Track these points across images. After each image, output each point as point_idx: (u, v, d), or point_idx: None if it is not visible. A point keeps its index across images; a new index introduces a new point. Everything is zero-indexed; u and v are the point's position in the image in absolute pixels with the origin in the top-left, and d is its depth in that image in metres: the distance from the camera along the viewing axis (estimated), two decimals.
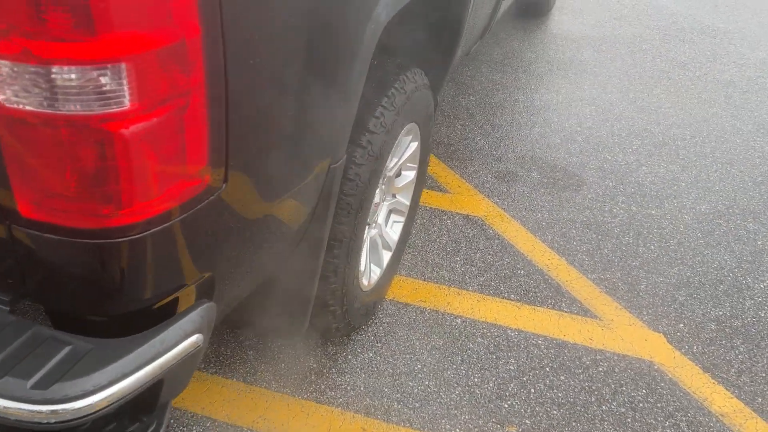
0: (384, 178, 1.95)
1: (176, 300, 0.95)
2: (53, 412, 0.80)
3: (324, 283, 1.63)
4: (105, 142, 0.73)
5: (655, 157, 3.40)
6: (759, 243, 2.78)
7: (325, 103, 1.18)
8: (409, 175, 2.17)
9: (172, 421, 1.77)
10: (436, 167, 3.10)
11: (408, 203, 2.23)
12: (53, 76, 0.69)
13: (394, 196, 2.18)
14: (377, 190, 1.93)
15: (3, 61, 0.68)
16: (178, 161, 0.81)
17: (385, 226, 2.17)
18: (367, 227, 1.90)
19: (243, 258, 1.10)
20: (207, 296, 1.00)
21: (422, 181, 2.28)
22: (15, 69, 0.69)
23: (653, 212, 2.93)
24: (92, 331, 0.91)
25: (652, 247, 2.69)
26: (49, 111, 0.71)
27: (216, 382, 1.90)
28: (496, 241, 2.64)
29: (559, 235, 2.72)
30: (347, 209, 1.58)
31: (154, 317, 0.93)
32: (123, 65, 0.70)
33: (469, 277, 2.43)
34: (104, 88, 0.70)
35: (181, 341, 0.92)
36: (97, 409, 0.83)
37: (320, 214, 1.38)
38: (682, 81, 4.38)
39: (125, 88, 0.71)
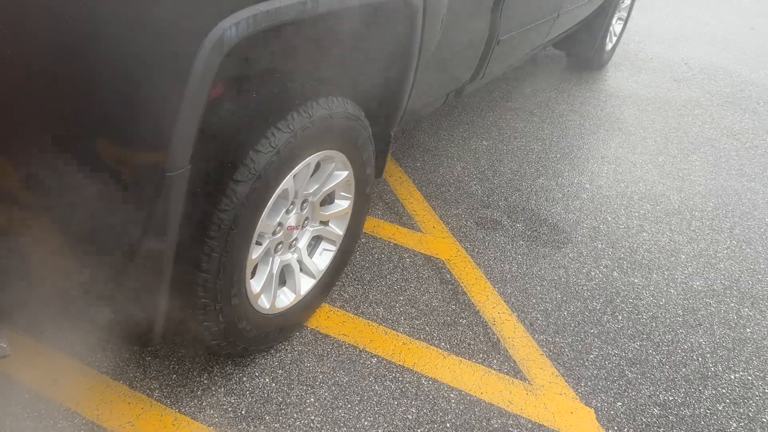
0: (300, 203, 1.93)
1: None
2: None
3: (190, 297, 1.62)
4: None
5: (662, 224, 3.17)
6: (748, 331, 2.52)
7: (139, 111, 1.19)
8: (343, 204, 2.14)
9: (43, 411, 1.80)
10: (417, 205, 3.04)
11: (341, 233, 2.19)
12: None
13: (327, 223, 2.15)
14: (293, 214, 1.92)
15: None
16: None
17: (309, 253, 2.14)
18: (268, 249, 1.87)
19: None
20: None
21: (361, 212, 2.24)
22: None
23: (636, 281, 2.73)
24: None
25: (620, 317, 2.50)
26: None
27: (102, 381, 1.91)
28: (450, 286, 2.54)
29: (520, 290, 2.57)
30: (218, 224, 1.57)
31: None
32: None
33: (404, 319, 2.34)
34: None
35: None
36: None
37: (157, 226, 1.37)
38: (726, 151, 4.10)
39: None
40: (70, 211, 1.25)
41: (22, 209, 1.21)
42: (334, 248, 2.20)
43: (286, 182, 1.75)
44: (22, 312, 1.38)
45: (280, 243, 1.94)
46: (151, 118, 1.25)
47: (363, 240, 2.73)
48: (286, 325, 2.06)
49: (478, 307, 2.44)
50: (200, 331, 1.72)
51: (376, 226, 2.84)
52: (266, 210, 1.71)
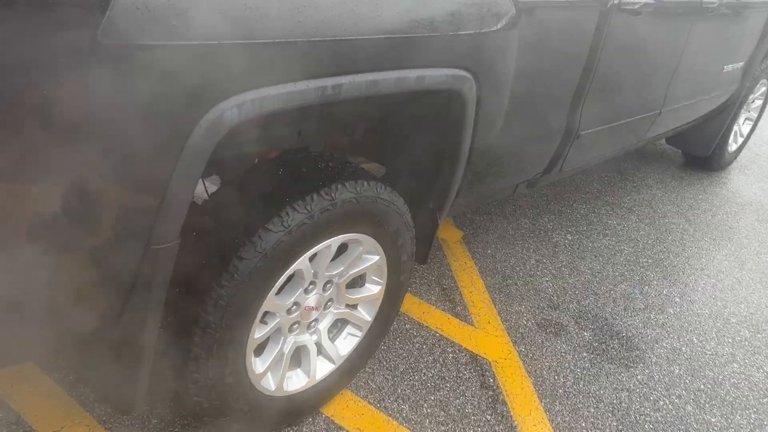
0: (322, 283, 1.85)
1: None
2: None
3: (182, 369, 1.57)
4: None
5: (759, 356, 2.76)
6: None
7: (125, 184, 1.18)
8: (373, 289, 2.03)
9: None
10: (477, 295, 2.86)
11: (370, 319, 2.08)
12: None
13: (354, 307, 2.05)
14: (313, 294, 1.84)
15: None
16: None
17: (332, 337, 2.04)
18: (279, 328, 1.80)
19: None
20: None
21: (394, 299, 2.12)
22: None
23: (713, 420, 2.36)
24: None
25: None
26: None
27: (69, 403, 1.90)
28: (490, 392, 2.32)
29: (571, 409, 2.30)
30: (216, 300, 1.52)
31: None
32: None
33: (430, 422, 2.15)
34: None
35: None
36: None
37: (140, 298, 1.35)
38: None
39: None
40: (60, 269, 1.25)
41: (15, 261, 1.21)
42: (360, 334, 2.09)
43: (300, 263, 1.68)
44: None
45: (296, 323, 1.86)
46: (140, 190, 1.24)
47: (407, 326, 2.59)
48: (294, 409, 1.96)
49: (516, 422, 2.21)
50: (190, 402, 1.66)
51: (425, 312, 2.70)
52: (273, 290, 1.65)
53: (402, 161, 2.21)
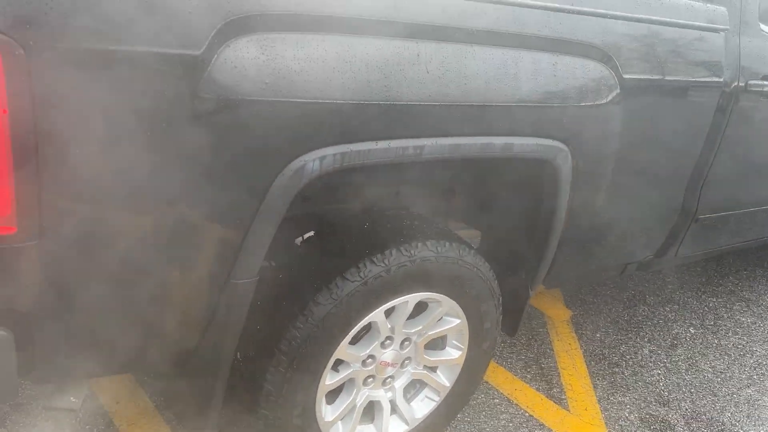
0: (400, 340, 1.88)
1: None
2: None
3: (252, 404, 1.66)
4: None
5: None
6: None
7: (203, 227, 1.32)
8: (453, 354, 2.02)
9: None
10: (577, 379, 2.71)
11: (449, 385, 2.06)
12: None
13: (434, 370, 2.05)
14: (390, 350, 1.88)
15: None
16: None
17: (408, 397, 2.03)
18: (352, 379, 1.84)
19: (67, 316, 1.26)
20: (5, 325, 1.19)
21: (476, 368, 2.08)
22: None
23: None
24: None
25: None
26: None
27: None
28: None
29: None
30: (290, 340, 1.61)
31: None
32: None
33: None
34: None
35: None
36: None
37: (218, 327, 1.46)
38: None
39: None
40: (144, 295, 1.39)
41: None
42: (438, 399, 2.07)
43: (375, 315, 1.73)
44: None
45: (371, 377, 1.89)
46: (226, 228, 1.37)
47: (496, 400, 2.51)
48: None
49: None
50: None
51: (517, 389, 2.60)
52: (346, 338, 1.70)
53: (496, 228, 2.21)
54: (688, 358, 3.00)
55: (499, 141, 1.66)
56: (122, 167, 1.19)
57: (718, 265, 4.09)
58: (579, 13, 1.73)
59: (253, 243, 1.39)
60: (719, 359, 3.03)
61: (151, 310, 1.38)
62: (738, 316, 3.47)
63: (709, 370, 2.94)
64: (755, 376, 2.94)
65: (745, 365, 3.01)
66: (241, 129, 1.27)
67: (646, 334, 3.16)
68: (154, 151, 1.20)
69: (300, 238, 1.86)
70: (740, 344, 3.19)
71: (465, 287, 1.87)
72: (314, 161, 1.37)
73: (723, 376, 2.90)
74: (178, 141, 1.22)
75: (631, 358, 2.94)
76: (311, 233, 1.85)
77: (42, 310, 1.24)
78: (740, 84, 2.22)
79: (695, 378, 2.86)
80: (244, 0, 1.21)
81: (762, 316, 3.50)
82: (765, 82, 2.29)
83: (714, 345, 3.15)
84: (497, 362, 2.75)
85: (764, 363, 3.05)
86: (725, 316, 3.45)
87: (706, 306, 3.53)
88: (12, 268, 1.16)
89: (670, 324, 3.28)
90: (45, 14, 1.04)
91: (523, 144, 1.72)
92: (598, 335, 3.09)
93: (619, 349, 3.00)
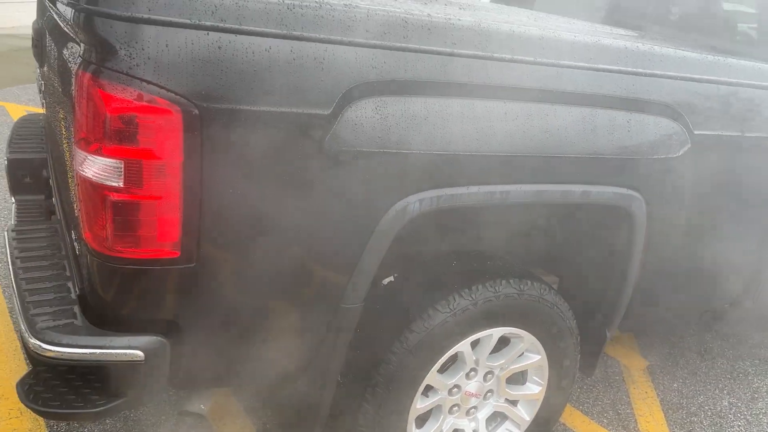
0: (483, 372, 2.03)
1: (144, 323, 1.44)
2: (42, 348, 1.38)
3: (353, 424, 1.85)
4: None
5: None
6: None
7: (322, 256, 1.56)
8: (533, 389, 2.15)
9: None
10: (653, 426, 2.75)
11: (528, 419, 2.18)
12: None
13: (515, 404, 2.18)
14: (474, 381, 2.03)
15: (84, 154, 1.33)
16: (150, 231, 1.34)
17: (490, 428, 2.17)
18: (439, 406, 2.00)
19: (211, 329, 1.50)
20: (164, 334, 1.44)
21: (555, 404, 2.20)
22: (89, 158, 1.33)
23: None
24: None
25: None
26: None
27: None
28: None
29: None
30: (387, 363, 1.80)
31: (121, 326, 1.43)
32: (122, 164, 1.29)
33: None
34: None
35: (122, 348, 1.40)
36: (58, 357, 1.37)
37: (328, 348, 1.68)
38: None
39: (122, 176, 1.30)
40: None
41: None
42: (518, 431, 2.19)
43: (462, 346, 1.90)
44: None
45: (456, 405, 2.05)
46: (340, 259, 1.61)
47: None
48: None
49: None
50: None
51: None
52: (436, 365, 1.88)
53: (574, 272, 2.36)
54: None
55: (578, 189, 1.84)
56: (271, 210, 1.44)
57: None
58: (650, 75, 1.91)
59: (361, 273, 1.61)
60: None
61: (278, 330, 1.62)
62: None
63: None
64: None
65: None
66: (357, 176, 1.51)
67: (725, 386, 3.15)
68: (290, 197, 1.45)
69: (386, 279, 2.07)
70: None
71: (545, 325, 2.02)
72: (415, 203, 1.59)
73: None
74: (308, 187, 1.47)
75: (710, 408, 2.95)
76: (392, 277, 2.04)
77: (192, 325, 1.49)
78: None
79: None
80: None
81: None
82: None
83: None
84: (574, 405, 2.83)
85: None
86: None
87: None
88: (173, 287, 1.43)
89: (750, 378, 3.26)
90: (215, 83, 1.32)
91: (601, 192, 1.89)
92: (675, 385, 3.11)
93: (697, 399, 3.01)
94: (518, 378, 2.17)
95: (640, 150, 1.93)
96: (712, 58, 2.06)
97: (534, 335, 2.03)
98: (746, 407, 2.99)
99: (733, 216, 2.29)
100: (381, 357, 1.81)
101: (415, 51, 1.53)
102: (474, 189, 1.68)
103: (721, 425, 2.83)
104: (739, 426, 2.84)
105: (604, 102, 1.84)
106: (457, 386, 2.01)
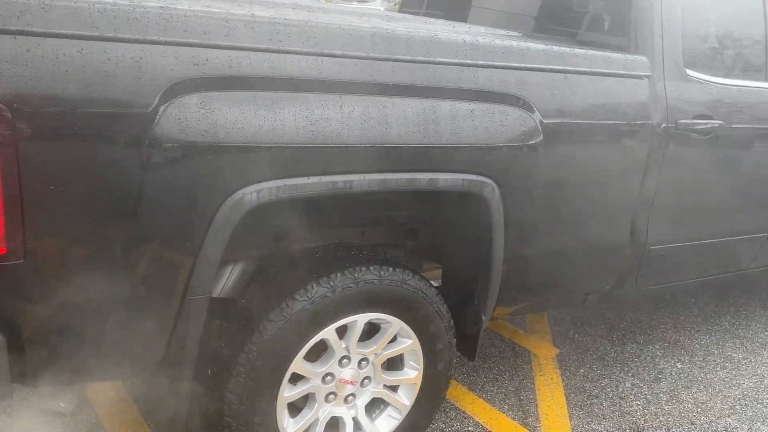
0: (357, 360, 2.10)
1: None
2: None
3: (219, 414, 1.90)
4: None
5: None
6: None
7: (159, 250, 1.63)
8: (410, 374, 2.23)
9: None
10: (553, 410, 2.83)
11: (408, 404, 2.25)
12: None
13: (395, 389, 2.25)
14: (348, 368, 2.10)
15: None
16: None
17: (372, 415, 2.23)
18: (313, 394, 2.06)
19: (50, 325, 1.56)
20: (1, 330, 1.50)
21: (434, 388, 2.27)
22: None
23: None
24: None
25: None
26: None
27: None
28: None
29: None
30: (248, 354, 1.87)
31: None
32: None
33: None
34: None
35: None
36: None
37: (178, 340, 1.74)
38: None
39: None
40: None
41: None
42: (399, 417, 2.26)
43: (325, 333, 1.97)
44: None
45: (332, 393, 2.11)
46: (180, 252, 1.67)
47: (470, 428, 2.67)
48: None
49: None
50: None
51: (493, 418, 2.75)
52: (300, 353, 1.95)
53: (450, 259, 2.45)
54: (670, 390, 3.08)
55: (423, 176, 1.93)
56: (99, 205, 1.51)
57: (716, 306, 4.15)
58: (492, 67, 2.02)
59: (202, 265, 1.68)
60: (702, 392, 3.10)
61: (122, 324, 1.67)
62: (729, 353, 3.52)
63: (691, 401, 3.01)
64: (738, 407, 2.99)
65: (728, 397, 3.07)
66: (190, 169, 1.59)
67: (631, 369, 3.26)
68: (118, 189, 1.52)
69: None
70: (727, 378, 3.25)
71: (411, 309, 2.10)
72: (252, 194, 1.67)
73: (704, 406, 2.97)
74: (136, 180, 1.54)
75: (612, 390, 3.05)
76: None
77: (29, 321, 1.54)
78: (669, 124, 2.45)
79: (674, 408, 2.94)
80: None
81: (755, 353, 3.55)
82: (695, 121, 2.51)
83: (699, 379, 3.22)
84: (477, 394, 2.91)
85: (750, 395, 3.10)
86: (716, 352, 3.51)
87: (697, 343, 3.60)
88: (3, 283, 1.48)
89: (656, 360, 3.37)
90: (28, 85, 1.39)
91: (449, 179, 1.98)
92: (581, 370, 3.21)
93: (601, 382, 3.11)
94: (398, 363, 2.24)
95: (490, 138, 2.03)
96: (557, 49, 2.19)
97: (402, 320, 2.10)
98: (648, 388, 3.10)
99: (594, 201, 2.40)
100: (242, 347, 1.87)
101: (241, 48, 1.62)
102: (315, 179, 1.76)
103: (620, 405, 2.93)
104: (638, 405, 2.94)
105: (446, 93, 1.94)
106: (330, 374, 2.07)
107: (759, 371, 3.34)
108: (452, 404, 2.81)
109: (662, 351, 3.48)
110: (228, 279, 2.20)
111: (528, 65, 2.11)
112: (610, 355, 3.39)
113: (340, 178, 1.80)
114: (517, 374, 3.11)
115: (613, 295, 2.78)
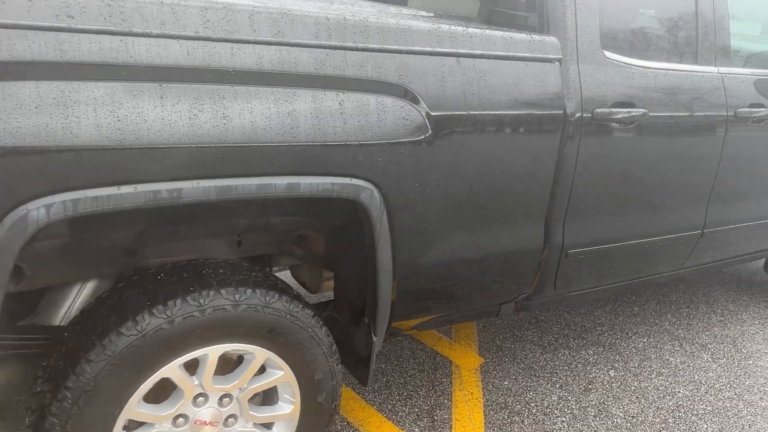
0: (218, 397, 1.78)
1: None
2: None
3: None
4: None
5: None
6: None
7: None
8: (284, 408, 1.92)
9: None
10: (468, 430, 2.56)
11: None
12: None
13: (269, 427, 1.94)
14: (206, 407, 1.78)
15: None
16: None
17: None
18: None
19: None
20: None
21: (314, 422, 1.97)
22: None
23: None
24: None
25: None
26: None
27: None
28: None
29: None
30: (61, 401, 1.53)
31: None
32: None
33: None
34: None
35: None
36: None
37: None
38: None
39: None
40: None
41: None
42: None
43: (168, 371, 1.65)
44: None
45: None
46: None
47: None
48: None
49: None
50: None
51: None
52: (134, 397, 1.62)
53: (341, 274, 2.15)
54: (599, 403, 2.83)
55: (280, 181, 1.61)
56: None
57: (657, 304, 3.93)
58: (364, 50, 1.70)
59: None
60: (634, 403, 2.86)
61: None
62: (667, 356, 3.30)
63: (621, 415, 2.77)
64: (671, 420, 2.76)
65: (662, 408, 2.84)
66: None
67: (560, 379, 3.00)
68: None
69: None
70: (662, 386, 3.01)
71: (279, 336, 1.79)
72: (39, 209, 1.33)
73: (634, 420, 2.73)
74: None
75: (537, 405, 2.79)
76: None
77: None
78: (585, 114, 2.16)
79: (602, 424, 2.69)
80: None
81: (694, 355, 3.33)
82: (615, 110, 2.23)
83: (633, 388, 2.98)
84: (387, 416, 2.62)
85: (684, 405, 2.87)
86: (653, 356, 3.29)
87: (634, 347, 3.37)
88: None
89: (588, 368, 3.12)
90: None
91: (313, 183, 1.67)
92: (506, 383, 2.94)
93: (526, 396, 2.85)
94: (273, 397, 1.93)
95: (364, 135, 1.72)
96: (447, 29, 1.87)
97: (268, 349, 1.79)
98: (576, 401, 2.84)
99: (504, 201, 2.12)
100: (56, 396, 1.53)
101: (13, 27, 1.27)
102: (128, 189, 1.42)
103: (543, 423, 2.67)
104: (562, 422, 2.68)
105: (304, 81, 1.62)
106: (182, 416, 1.75)
107: (696, 377, 3.11)
108: (356, 430, 2.52)
109: (596, 357, 3.24)
110: (74, 303, 1.87)
111: (410, 48, 1.80)
112: (540, 363, 3.13)
113: (163, 187, 1.46)
114: (435, 390, 2.83)
115: (531, 303, 2.50)
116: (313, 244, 2.20)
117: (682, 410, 2.83)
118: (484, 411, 2.71)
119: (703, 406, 2.88)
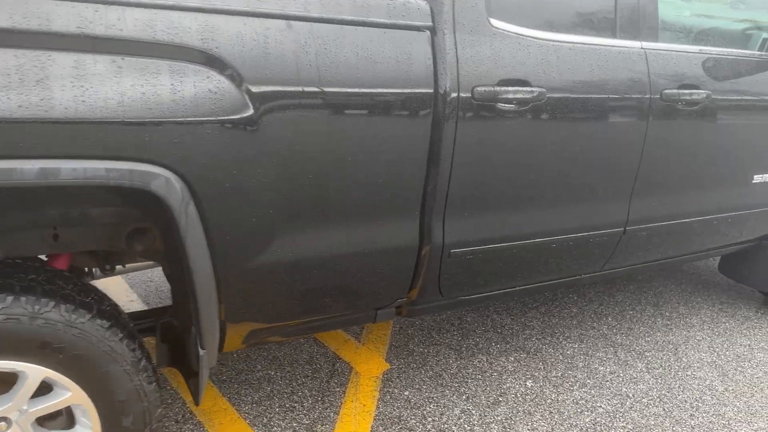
0: None
1: None
2: None
3: None
4: None
5: None
6: None
7: None
8: None
9: None
10: None
11: None
12: None
13: None
14: None
15: None
16: None
17: None
18: None
19: None
20: None
21: None
22: None
23: None
24: None
25: None
26: None
27: None
28: None
29: None
30: None
31: None
32: None
33: None
34: None
35: None
36: None
37: None
38: None
39: None
40: None
41: None
42: None
43: None
44: None
45: None
46: None
47: None
48: None
49: None
50: None
51: None
52: None
53: (173, 276, 1.85)
54: (507, 419, 2.54)
55: (30, 165, 1.31)
56: None
57: (600, 305, 3.63)
58: (153, 6, 1.39)
59: None
60: (546, 419, 2.56)
61: None
62: (596, 365, 3.00)
63: None
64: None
65: (575, 426, 2.54)
66: None
67: (470, 390, 2.71)
68: None
69: None
70: (583, 399, 2.72)
71: (56, 351, 1.50)
72: None
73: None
74: None
75: (434, 420, 2.50)
76: None
77: None
78: (463, 93, 1.85)
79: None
80: None
81: (627, 365, 3.03)
82: (501, 89, 1.92)
83: (549, 401, 2.68)
84: None
85: (602, 422, 2.58)
86: (580, 365, 2.99)
87: (561, 354, 3.07)
88: None
89: (504, 377, 2.83)
90: None
91: (80, 168, 1.36)
92: (407, 393, 2.65)
93: (425, 409, 2.56)
94: (69, 421, 1.65)
95: (151, 111, 1.41)
96: None
97: (44, 366, 1.51)
98: (480, 415, 2.55)
99: (361, 194, 1.81)
100: None
101: None
102: None
103: None
104: None
105: (62, 43, 1.31)
106: None
107: (623, 390, 2.82)
108: None
109: (516, 364, 2.94)
110: None
111: (218, 6, 1.48)
112: (451, 371, 2.84)
113: None
114: (323, 401, 2.54)
115: (416, 309, 2.20)
116: (150, 239, 1.91)
117: (599, 426, 2.54)
118: (372, 426, 2.43)
119: (623, 424, 2.58)
